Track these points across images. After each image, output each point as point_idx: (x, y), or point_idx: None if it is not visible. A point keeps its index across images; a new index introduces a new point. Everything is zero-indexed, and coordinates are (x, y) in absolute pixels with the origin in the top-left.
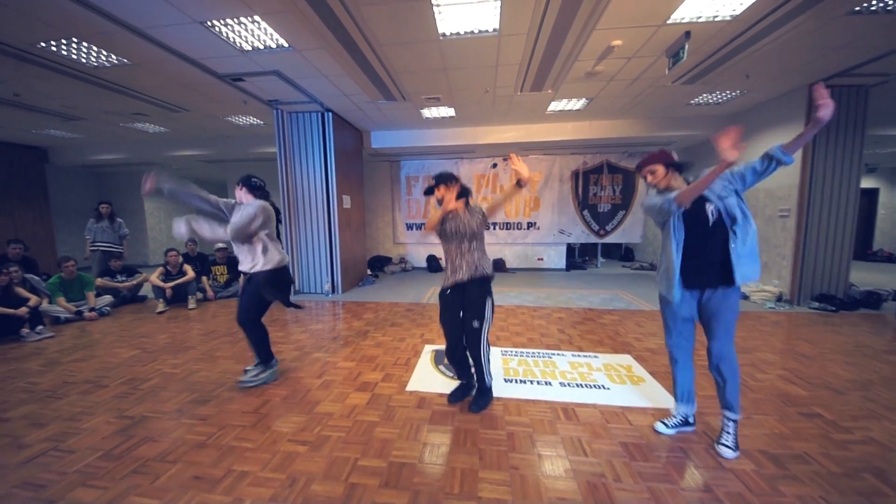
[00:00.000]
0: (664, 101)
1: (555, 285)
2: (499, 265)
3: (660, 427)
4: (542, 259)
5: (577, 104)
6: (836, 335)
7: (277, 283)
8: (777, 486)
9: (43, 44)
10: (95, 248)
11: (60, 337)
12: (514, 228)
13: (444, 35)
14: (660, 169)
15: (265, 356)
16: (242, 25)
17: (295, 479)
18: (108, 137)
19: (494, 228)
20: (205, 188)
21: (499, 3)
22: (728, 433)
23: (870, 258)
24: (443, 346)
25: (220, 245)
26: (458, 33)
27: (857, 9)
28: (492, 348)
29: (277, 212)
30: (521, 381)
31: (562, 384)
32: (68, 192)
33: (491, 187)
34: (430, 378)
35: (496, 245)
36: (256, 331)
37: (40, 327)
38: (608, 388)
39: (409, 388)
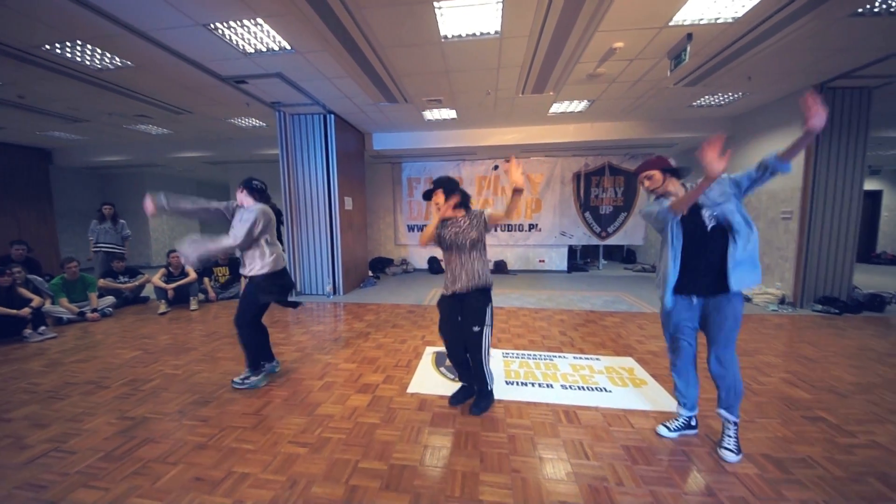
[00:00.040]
0: (666, 102)
1: (556, 287)
2: (500, 267)
3: (662, 430)
4: (543, 261)
5: (578, 106)
6: (839, 338)
7: (273, 287)
8: (780, 490)
9: (47, 46)
10: (98, 249)
11: (63, 338)
12: (515, 230)
13: (445, 37)
14: (657, 175)
15: (252, 360)
16: (245, 28)
17: (295, 481)
18: (111, 139)
19: (496, 231)
20: (207, 190)
21: (500, 6)
22: (729, 436)
23: (873, 261)
24: (443, 348)
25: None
26: (459, 35)
27: (860, 11)
28: (493, 351)
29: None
30: (522, 383)
31: (563, 387)
32: (72, 194)
33: (492, 189)
34: (431, 380)
35: (497, 247)
36: (250, 333)
37: (43, 328)
38: (610, 391)
39: (410, 390)
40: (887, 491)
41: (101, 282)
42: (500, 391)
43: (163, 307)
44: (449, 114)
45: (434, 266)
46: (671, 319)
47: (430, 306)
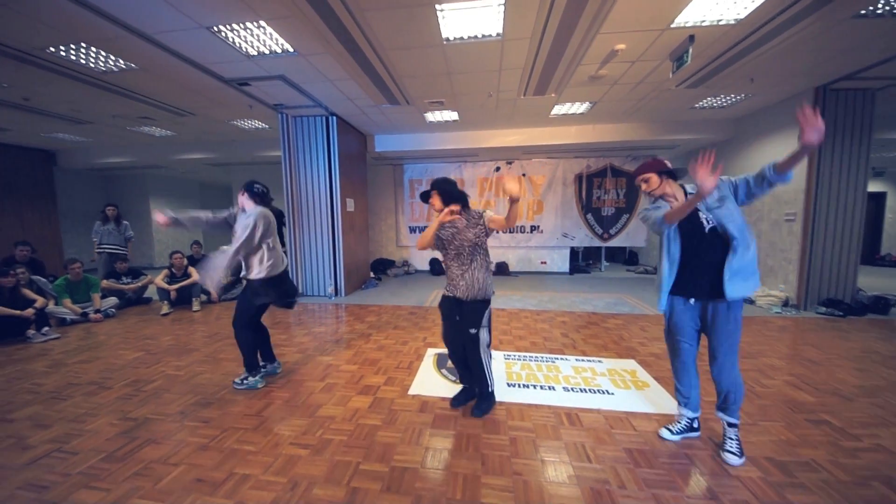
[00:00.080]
0: (668, 104)
1: (558, 289)
2: (502, 268)
3: (664, 433)
4: (545, 262)
5: (580, 108)
6: (843, 341)
7: (270, 292)
8: (784, 493)
9: (52, 48)
10: (102, 250)
11: (66, 338)
12: (517, 232)
13: (447, 39)
14: (653, 177)
15: (249, 362)
16: (248, 31)
17: (296, 483)
18: (115, 141)
19: (497, 232)
20: (210, 191)
21: (502, 8)
22: (731, 439)
23: (878, 263)
24: (445, 350)
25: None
26: (461, 37)
27: (863, 12)
28: (495, 352)
29: (281, 215)
30: (523, 385)
31: (565, 389)
32: (75, 195)
33: (494, 191)
34: (433, 382)
35: (499, 248)
36: (248, 335)
37: (46, 328)
38: (612, 394)
39: (412, 391)
40: (892, 495)
41: (105, 283)
42: (502, 393)
43: (165, 308)
44: (451, 115)
45: (436, 268)
46: (671, 320)
47: (431, 308)
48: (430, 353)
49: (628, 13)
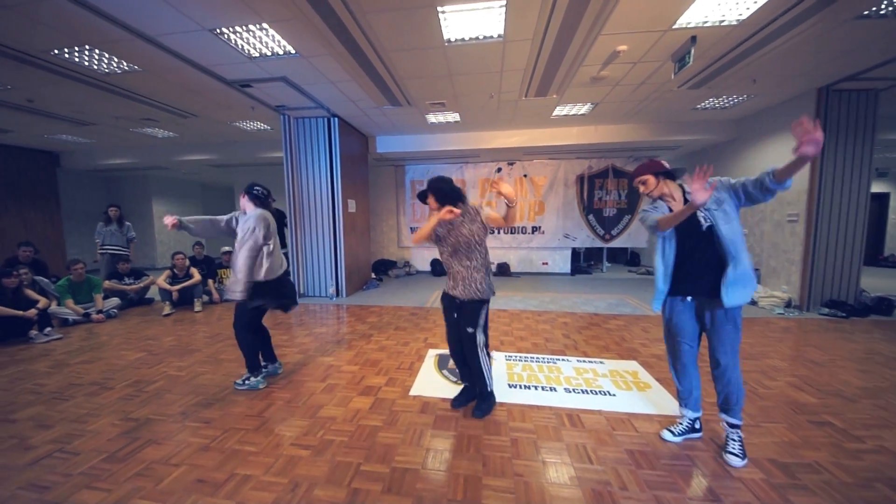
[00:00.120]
0: (670, 105)
1: (560, 290)
2: (503, 269)
3: (666, 435)
4: (546, 263)
5: (582, 109)
6: (846, 342)
7: (265, 295)
8: (787, 495)
9: (56, 51)
10: (104, 251)
11: (68, 339)
12: (518, 233)
13: (449, 41)
14: (650, 179)
15: (250, 363)
16: (251, 33)
17: (297, 484)
18: (117, 142)
19: (499, 233)
20: (212, 192)
21: (504, 10)
22: (733, 440)
23: (881, 264)
24: (446, 351)
25: (226, 248)
26: (463, 39)
27: (866, 13)
28: (496, 353)
29: (283, 216)
30: (525, 386)
31: (567, 390)
32: (78, 196)
33: (495, 192)
34: (434, 383)
35: (500, 249)
36: (247, 337)
37: (48, 329)
38: (614, 395)
39: (413, 392)
40: (895, 497)
41: (107, 283)
42: (503, 394)
43: (167, 309)
44: (452, 117)
45: (437, 268)
46: (670, 322)
47: (432, 308)
48: (432, 354)
49: (630, 14)
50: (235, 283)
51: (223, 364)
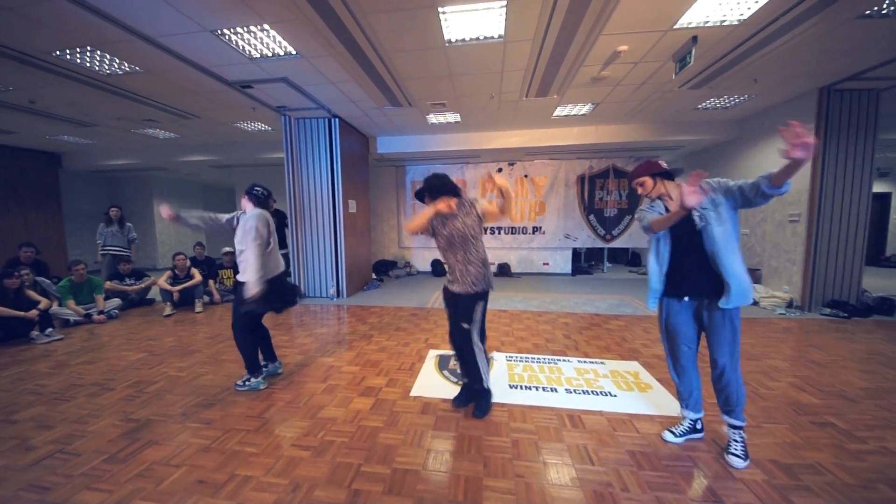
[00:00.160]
0: (671, 105)
1: (560, 290)
2: (504, 269)
3: (667, 436)
4: (547, 264)
5: (582, 109)
6: (848, 342)
7: (264, 295)
8: (789, 496)
9: (57, 52)
10: (105, 251)
11: (69, 339)
12: (519, 233)
13: (449, 42)
14: (647, 180)
15: (250, 364)
16: (251, 34)
17: (298, 485)
18: (119, 143)
19: (499, 233)
20: (213, 193)
21: (504, 10)
22: (735, 441)
23: (882, 264)
24: (447, 352)
25: (227, 249)
26: (463, 39)
27: (868, 12)
28: (497, 354)
29: (284, 216)
30: (526, 387)
31: (567, 391)
32: (80, 197)
33: (496, 192)
34: (435, 383)
35: (501, 249)
36: (246, 337)
37: (50, 330)
38: (615, 395)
39: (413, 393)
40: None
41: (108, 284)
42: (504, 395)
43: (168, 309)
44: (453, 117)
45: (437, 269)
46: (668, 323)
47: (433, 309)
48: (432, 355)
49: (631, 14)
50: (251, 283)
51: (224, 365)
